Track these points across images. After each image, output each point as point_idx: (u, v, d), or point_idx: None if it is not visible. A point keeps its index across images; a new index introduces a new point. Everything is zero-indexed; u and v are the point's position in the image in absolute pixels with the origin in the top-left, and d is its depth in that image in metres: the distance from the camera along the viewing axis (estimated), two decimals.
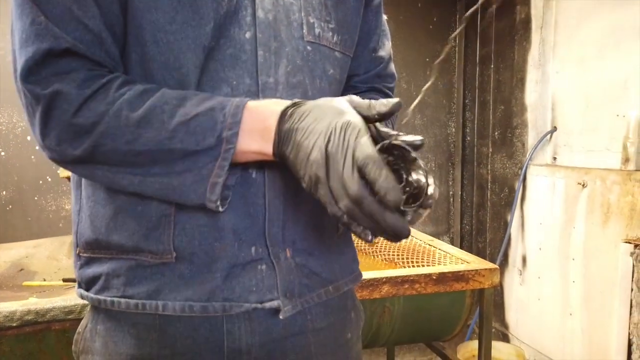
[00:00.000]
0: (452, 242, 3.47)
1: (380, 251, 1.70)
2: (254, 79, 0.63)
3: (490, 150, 3.16)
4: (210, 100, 0.57)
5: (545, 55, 2.69)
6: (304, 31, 0.68)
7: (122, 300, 0.63)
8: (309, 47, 0.68)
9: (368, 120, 0.55)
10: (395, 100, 0.55)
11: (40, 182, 2.70)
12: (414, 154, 0.54)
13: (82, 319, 1.14)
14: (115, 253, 0.63)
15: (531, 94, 2.80)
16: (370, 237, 0.54)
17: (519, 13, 2.89)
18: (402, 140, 0.54)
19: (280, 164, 0.63)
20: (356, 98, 0.57)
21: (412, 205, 0.53)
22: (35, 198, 2.71)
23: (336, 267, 0.74)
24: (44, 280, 1.53)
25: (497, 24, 3.08)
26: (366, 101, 0.56)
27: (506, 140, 3.02)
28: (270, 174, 0.65)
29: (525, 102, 2.85)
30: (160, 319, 0.64)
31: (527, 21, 2.82)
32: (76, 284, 0.70)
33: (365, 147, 0.50)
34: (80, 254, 0.67)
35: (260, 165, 0.63)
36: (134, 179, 0.58)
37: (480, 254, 3.26)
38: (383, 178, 0.49)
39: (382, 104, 0.54)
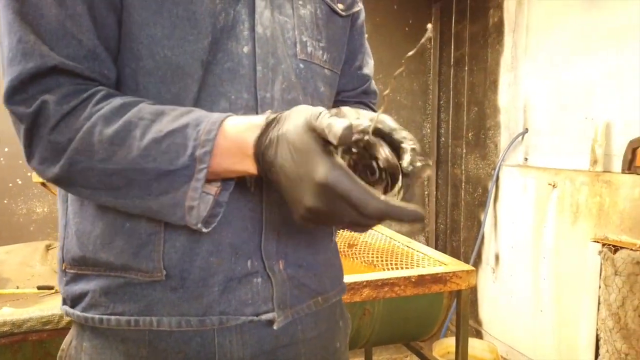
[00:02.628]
0: (427, 242, 3.53)
1: (359, 254, 1.72)
2: (252, 94, 0.63)
3: (464, 151, 3.23)
4: (187, 116, 0.55)
5: (518, 58, 2.76)
6: (297, 49, 0.68)
7: (112, 317, 0.62)
8: (301, 65, 0.69)
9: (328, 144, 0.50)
10: (343, 126, 0.48)
11: (10, 184, 2.63)
12: (371, 138, 0.52)
13: (60, 329, 1.13)
14: (103, 270, 0.62)
15: (504, 96, 2.87)
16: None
17: (492, 17, 2.96)
18: (359, 131, 0.52)
19: None
20: (313, 121, 0.50)
21: (394, 187, 0.53)
22: (5, 201, 2.63)
23: (326, 279, 0.75)
24: (17, 287, 1.49)
25: (470, 27, 3.14)
26: (323, 124, 0.49)
27: (480, 141, 3.09)
28: (267, 188, 0.65)
29: (498, 104, 2.92)
30: (150, 334, 0.63)
31: (499, 25, 2.89)
32: (61, 300, 0.69)
33: (367, 199, 0.48)
34: (67, 270, 0.66)
35: (258, 178, 0.63)
36: (117, 202, 0.57)
37: (455, 252, 3.33)
38: (400, 216, 0.49)
39: (334, 132, 0.48)
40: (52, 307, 1.14)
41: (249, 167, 0.55)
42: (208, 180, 0.55)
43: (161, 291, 0.62)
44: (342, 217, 0.50)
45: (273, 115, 0.55)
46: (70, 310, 0.66)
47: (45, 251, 1.74)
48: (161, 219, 0.58)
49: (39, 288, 1.45)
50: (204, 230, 0.57)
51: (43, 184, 1.78)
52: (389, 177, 0.54)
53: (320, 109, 0.52)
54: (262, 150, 0.53)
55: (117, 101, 0.56)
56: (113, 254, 0.61)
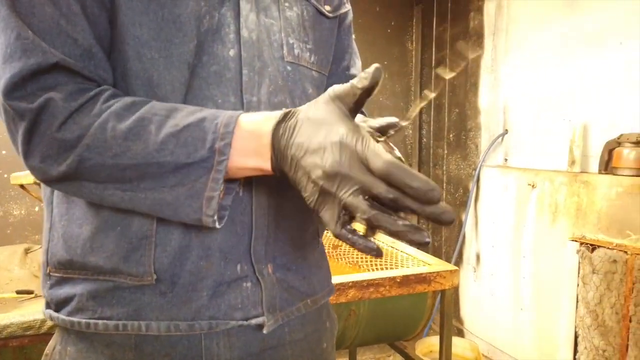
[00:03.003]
0: None
1: (344, 254, 1.73)
2: (239, 97, 0.63)
3: (446, 151, 3.27)
4: (201, 112, 0.56)
5: (498, 60, 2.81)
6: (284, 52, 0.68)
7: (100, 322, 0.61)
8: (289, 68, 0.69)
9: (358, 100, 0.53)
10: (372, 67, 0.52)
11: None
12: (381, 138, 0.55)
13: (42, 334, 1.10)
14: (90, 274, 0.61)
15: (484, 98, 2.92)
16: (375, 252, 0.53)
17: (472, 19, 3.00)
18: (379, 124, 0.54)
19: (267, 181, 0.63)
20: (337, 88, 0.54)
21: None
22: None
23: (315, 280, 0.75)
24: None
25: (451, 30, 3.18)
26: (346, 86, 0.53)
27: (460, 142, 3.13)
28: (257, 192, 0.64)
29: (478, 106, 2.97)
30: (137, 338, 0.62)
31: (480, 27, 2.93)
32: (44, 304, 0.67)
33: (378, 154, 0.49)
34: (51, 274, 0.65)
35: (248, 181, 0.63)
36: (124, 195, 0.56)
37: (436, 252, 3.36)
38: (415, 179, 0.48)
39: (362, 78, 0.52)
40: (33, 312, 1.12)
41: (263, 159, 0.55)
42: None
43: (150, 295, 0.61)
44: (356, 180, 0.49)
45: (289, 109, 0.56)
46: (55, 315, 0.64)
47: (24, 255, 1.70)
48: (171, 215, 0.57)
49: (18, 292, 1.42)
50: (218, 225, 0.57)
51: (22, 186, 1.74)
52: None
53: None
54: (279, 137, 0.54)
55: (127, 99, 0.56)
56: (102, 258, 0.60)
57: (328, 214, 0.52)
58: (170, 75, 0.59)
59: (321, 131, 0.52)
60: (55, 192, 0.65)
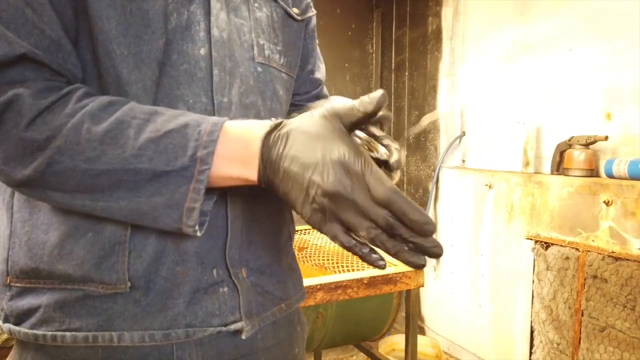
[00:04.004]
0: None
1: (310, 257, 1.72)
2: (210, 97, 0.61)
3: (406, 153, 3.33)
4: (184, 117, 0.53)
5: (455, 64, 2.89)
6: (255, 52, 0.67)
7: (67, 334, 0.57)
8: (259, 69, 0.68)
9: (356, 121, 0.52)
10: (378, 93, 0.51)
11: None
12: (377, 131, 0.56)
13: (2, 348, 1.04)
14: (58, 283, 0.58)
15: (443, 101, 2.99)
16: (383, 263, 0.53)
17: (430, 24, 3.07)
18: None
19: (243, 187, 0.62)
20: (337, 106, 0.52)
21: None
22: None
23: (289, 285, 0.75)
24: None
25: (410, 33, 3.24)
26: (347, 106, 0.52)
27: (420, 144, 3.20)
28: (232, 196, 0.63)
29: (437, 109, 3.04)
30: (104, 352, 0.59)
31: (438, 32, 3.01)
32: (1, 317, 0.62)
33: (381, 180, 0.49)
34: (12, 284, 0.60)
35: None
36: (96, 205, 0.53)
37: None
38: (413, 211, 0.48)
39: (366, 103, 0.51)
40: None
41: (249, 168, 0.53)
42: None
43: (122, 304, 0.58)
44: (355, 201, 0.48)
45: (279, 120, 0.54)
46: (16, 329, 0.60)
47: None
48: (150, 224, 0.54)
49: None
50: (199, 234, 0.55)
51: None
52: None
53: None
54: (269, 146, 0.52)
55: (103, 99, 0.53)
56: (72, 265, 0.57)
57: (333, 230, 0.51)
58: (141, 72, 0.57)
59: (317, 146, 0.50)
60: (16, 195, 0.61)
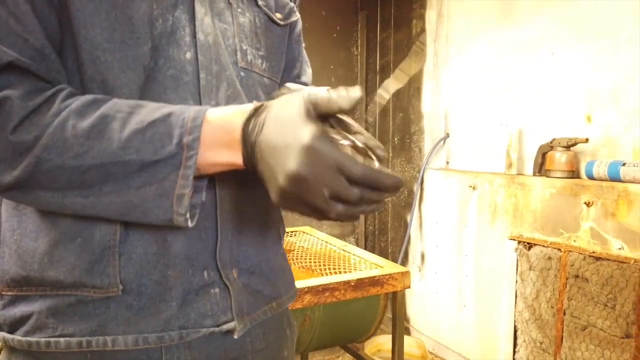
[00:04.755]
0: (357, 242, 3.62)
1: (297, 259, 1.73)
2: (197, 101, 0.62)
3: (391, 154, 3.35)
4: (167, 107, 0.54)
5: (439, 67, 2.92)
6: (238, 57, 0.68)
7: (61, 339, 0.57)
8: (242, 73, 0.69)
9: (330, 113, 0.54)
10: (357, 92, 0.53)
11: None
12: (349, 120, 0.56)
13: None
14: (49, 289, 0.58)
15: (427, 103, 3.02)
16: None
17: (414, 26, 3.09)
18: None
19: (229, 184, 0.62)
20: (316, 95, 0.53)
21: None
22: None
23: (280, 284, 0.75)
24: None
25: (395, 36, 3.27)
26: (325, 96, 0.53)
27: (405, 145, 3.22)
28: (220, 196, 0.63)
29: (421, 110, 3.06)
30: (92, 356, 0.59)
31: (422, 34, 3.03)
32: None
33: (355, 160, 0.49)
34: (3, 293, 0.60)
35: (211, 185, 0.62)
36: (86, 201, 0.53)
37: (383, 252, 3.44)
38: (389, 177, 0.50)
39: (343, 98, 0.53)
40: None
41: (234, 153, 0.54)
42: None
43: (115, 309, 0.58)
44: (325, 184, 0.49)
45: (260, 103, 0.55)
46: (10, 337, 0.60)
47: None
48: (139, 217, 0.54)
49: None
50: (190, 224, 0.55)
51: None
52: None
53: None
54: (248, 132, 0.53)
55: (87, 97, 0.54)
56: (63, 272, 0.57)
57: (305, 213, 0.52)
58: (126, 77, 0.57)
59: (287, 130, 0.51)
60: (4, 204, 0.61)
